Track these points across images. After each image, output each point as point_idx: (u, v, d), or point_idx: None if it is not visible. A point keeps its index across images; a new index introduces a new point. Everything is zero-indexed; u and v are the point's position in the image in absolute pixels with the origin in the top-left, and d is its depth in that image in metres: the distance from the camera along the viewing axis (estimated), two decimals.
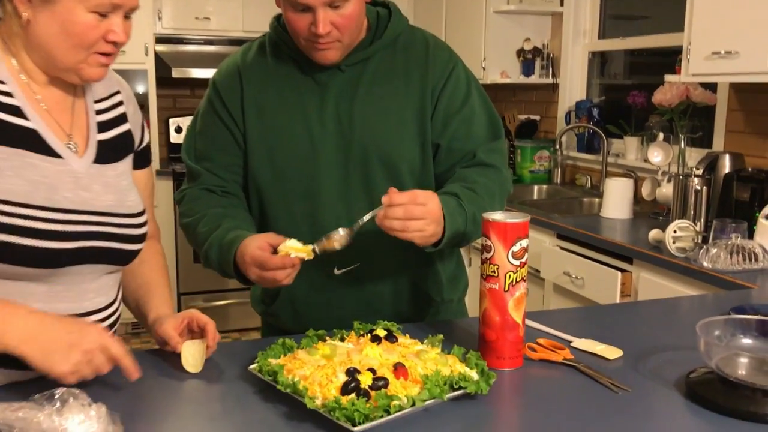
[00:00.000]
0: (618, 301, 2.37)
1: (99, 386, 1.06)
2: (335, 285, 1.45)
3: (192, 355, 1.17)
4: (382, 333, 1.21)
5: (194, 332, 1.22)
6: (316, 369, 1.06)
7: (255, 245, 1.28)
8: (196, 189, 1.47)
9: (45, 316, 1.04)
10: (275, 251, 1.27)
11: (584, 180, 3.55)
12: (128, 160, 1.25)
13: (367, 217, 1.25)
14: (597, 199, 3.24)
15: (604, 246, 2.48)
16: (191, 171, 1.49)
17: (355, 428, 0.94)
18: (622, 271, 2.39)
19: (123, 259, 1.20)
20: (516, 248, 1.18)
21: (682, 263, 2.14)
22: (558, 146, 3.57)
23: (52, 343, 1.00)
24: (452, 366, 1.10)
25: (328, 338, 1.22)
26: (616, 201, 2.78)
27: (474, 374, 1.10)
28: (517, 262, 1.18)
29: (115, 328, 1.25)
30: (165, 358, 1.21)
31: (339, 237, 1.27)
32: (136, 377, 1.05)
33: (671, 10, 3.25)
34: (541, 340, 1.30)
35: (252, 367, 1.13)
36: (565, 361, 1.23)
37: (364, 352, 1.11)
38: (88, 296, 1.17)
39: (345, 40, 1.36)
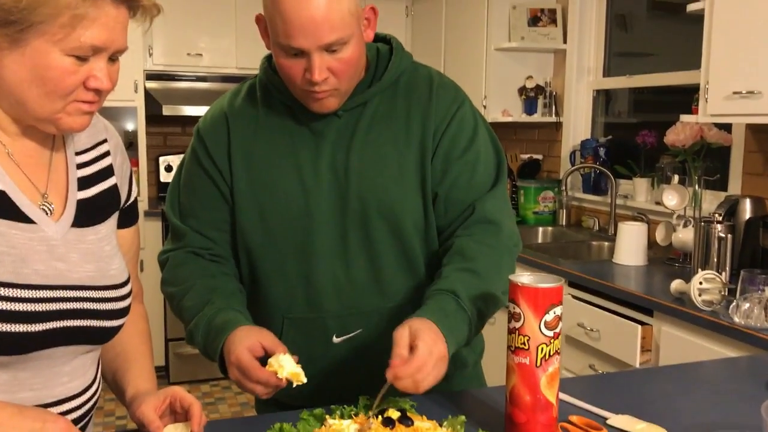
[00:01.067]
0: (638, 357, 2.21)
1: None
2: (334, 354, 1.29)
3: None
4: (395, 415, 1.05)
5: (177, 414, 1.05)
6: None
7: (245, 345, 1.13)
8: (182, 252, 1.31)
9: (2, 408, 0.87)
10: (266, 356, 1.11)
11: (591, 222, 3.41)
12: (112, 220, 1.09)
13: (378, 401, 1.08)
14: (606, 243, 3.10)
15: (621, 296, 2.33)
16: (176, 229, 1.33)
17: None
18: (642, 323, 2.23)
19: (103, 337, 1.04)
20: (549, 317, 1.03)
21: (709, 317, 1.98)
22: (564, 187, 3.44)
23: None
24: None
25: (327, 417, 1.06)
26: (630, 247, 2.63)
27: None
28: (550, 333, 1.03)
29: (92, 413, 1.08)
30: None
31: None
32: None
33: (678, 48, 3.15)
34: (573, 418, 1.14)
35: None
36: None
37: None
38: (60, 381, 1.01)
39: (343, 86, 1.21)
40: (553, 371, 1.04)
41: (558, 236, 3.49)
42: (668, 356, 2.12)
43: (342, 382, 1.30)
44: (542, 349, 1.03)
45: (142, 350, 1.17)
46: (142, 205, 3.96)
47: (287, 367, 1.08)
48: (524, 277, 1.05)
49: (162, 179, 4.36)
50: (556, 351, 1.04)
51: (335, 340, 1.28)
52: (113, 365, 1.15)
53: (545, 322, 1.02)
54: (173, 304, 1.29)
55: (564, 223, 3.53)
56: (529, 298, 1.02)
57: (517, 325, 1.03)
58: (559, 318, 1.03)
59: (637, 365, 2.22)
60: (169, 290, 1.30)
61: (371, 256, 1.27)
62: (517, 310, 1.03)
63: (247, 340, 1.12)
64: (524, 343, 1.03)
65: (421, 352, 1.05)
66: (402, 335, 1.07)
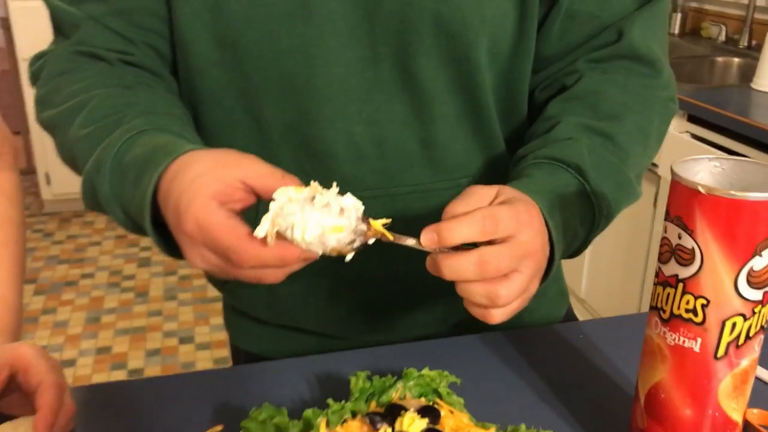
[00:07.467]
0: None
1: None
2: (342, 262, 0.76)
3: None
4: (411, 417, 0.54)
5: (28, 394, 0.58)
6: None
7: (208, 192, 0.54)
8: (68, 52, 0.72)
9: None
10: (258, 205, 0.58)
11: (715, 31, 2.67)
12: None
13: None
14: (737, 60, 2.40)
15: (765, 138, 1.70)
16: (61, 17, 0.73)
17: None
18: None
19: None
20: (759, 263, 0.48)
21: None
22: None
23: None
24: None
25: (321, 422, 0.55)
26: None
27: None
28: (756, 296, 0.49)
29: None
30: None
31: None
32: None
33: None
34: (755, 411, 0.63)
35: None
36: None
37: None
38: None
39: None
40: (747, 367, 0.51)
41: (669, 49, 2.78)
42: None
43: (350, 303, 0.81)
44: (736, 326, 0.49)
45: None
46: None
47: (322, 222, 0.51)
48: (703, 170, 0.49)
49: None
50: (761, 328, 0.50)
51: None
52: None
53: (750, 273, 0.48)
54: (57, 140, 0.72)
55: (677, 32, 2.80)
56: (721, 221, 0.47)
57: (686, 271, 0.49)
58: None
59: None
60: (46, 116, 0.73)
61: (415, 101, 0.70)
62: (690, 241, 0.48)
63: (210, 180, 0.54)
64: (694, 311, 0.49)
65: (478, 211, 0.54)
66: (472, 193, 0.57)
